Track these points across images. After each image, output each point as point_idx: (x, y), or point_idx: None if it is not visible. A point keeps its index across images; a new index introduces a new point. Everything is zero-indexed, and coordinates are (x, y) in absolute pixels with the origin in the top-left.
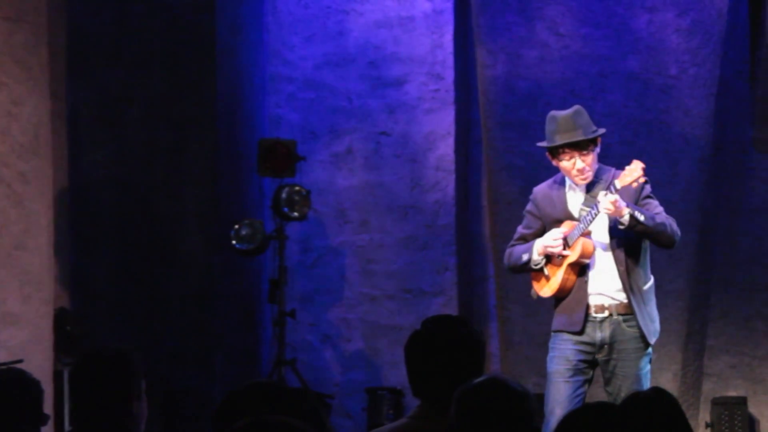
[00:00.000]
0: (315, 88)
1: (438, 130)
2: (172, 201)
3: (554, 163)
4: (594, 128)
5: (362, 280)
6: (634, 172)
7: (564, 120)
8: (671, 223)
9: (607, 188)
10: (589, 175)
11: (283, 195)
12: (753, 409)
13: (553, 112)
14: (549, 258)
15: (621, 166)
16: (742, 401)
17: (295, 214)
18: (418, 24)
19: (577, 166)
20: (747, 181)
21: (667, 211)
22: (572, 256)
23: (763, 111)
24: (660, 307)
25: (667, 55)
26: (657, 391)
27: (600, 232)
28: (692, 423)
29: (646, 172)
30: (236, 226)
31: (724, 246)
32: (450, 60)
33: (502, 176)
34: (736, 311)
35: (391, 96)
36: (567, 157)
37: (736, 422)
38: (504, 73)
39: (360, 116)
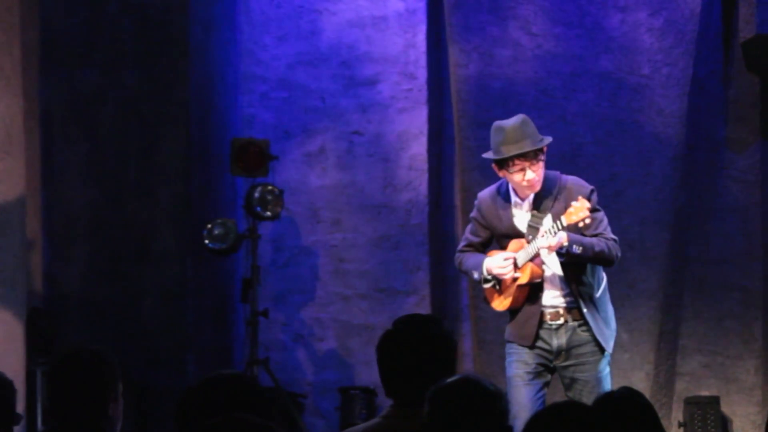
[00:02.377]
0: (288, 87)
1: (411, 130)
2: (145, 200)
3: (501, 174)
4: (540, 137)
5: (335, 280)
6: (579, 212)
7: (512, 130)
8: (611, 247)
9: (554, 221)
10: (538, 185)
11: (256, 194)
12: (725, 408)
13: (498, 123)
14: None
15: (594, 165)
16: (714, 401)
17: (268, 213)
18: (390, 23)
19: (527, 177)
20: (720, 181)
21: (640, 210)
22: (522, 278)
23: (735, 110)
24: (633, 307)
25: (639, 54)
26: (629, 391)
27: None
28: (665, 422)
29: (619, 171)
30: (209, 226)
31: (697, 245)
32: (423, 59)
33: (474, 175)
34: (708, 311)
35: (364, 95)
36: (517, 169)
37: (708, 422)
38: (477, 72)
39: (333, 116)
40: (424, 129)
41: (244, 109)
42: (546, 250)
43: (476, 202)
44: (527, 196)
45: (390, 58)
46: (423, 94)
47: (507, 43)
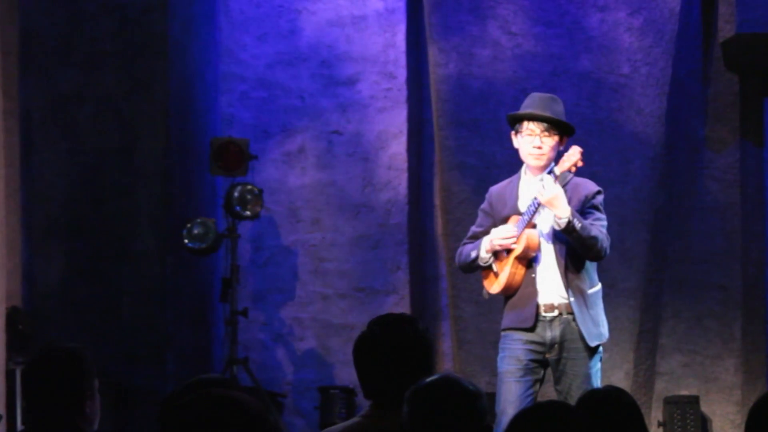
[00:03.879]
0: (267, 86)
1: (390, 129)
2: (124, 200)
3: (515, 141)
4: (564, 120)
5: (314, 279)
6: (572, 156)
7: (541, 99)
8: (603, 240)
9: (549, 173)
10: (545, 158)
11: (236, 194)
12: (705, 408)
13: (534, 93)
14: (497, 254)
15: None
16: (694, 400)
17: (248, 212)
18: (370, 23)
19: (534, 143)
20: (699, 180)
21: (620, 210)
22: (518, 249)
23: (715, 110)
24: (613, 306)
25: (619, 54)
26: (614, 390)
27: (546, 228)
28: None
29: (599, 171)
30: (188, 225)
31: (676, 245)
32: (402, 59)
33: (454, 175)
34: (688, 310)
35: (344, 95)
36: (529, 132)
37: (688, 421)
38: (456, 71)
39: (312, 115)
40: (404, 128)
41: (224, 108)
42: (544, 222)
43: (486, 194)
44: (536, 172)
45: (369, 57)
46: (402, 94)
47: (486, 43)
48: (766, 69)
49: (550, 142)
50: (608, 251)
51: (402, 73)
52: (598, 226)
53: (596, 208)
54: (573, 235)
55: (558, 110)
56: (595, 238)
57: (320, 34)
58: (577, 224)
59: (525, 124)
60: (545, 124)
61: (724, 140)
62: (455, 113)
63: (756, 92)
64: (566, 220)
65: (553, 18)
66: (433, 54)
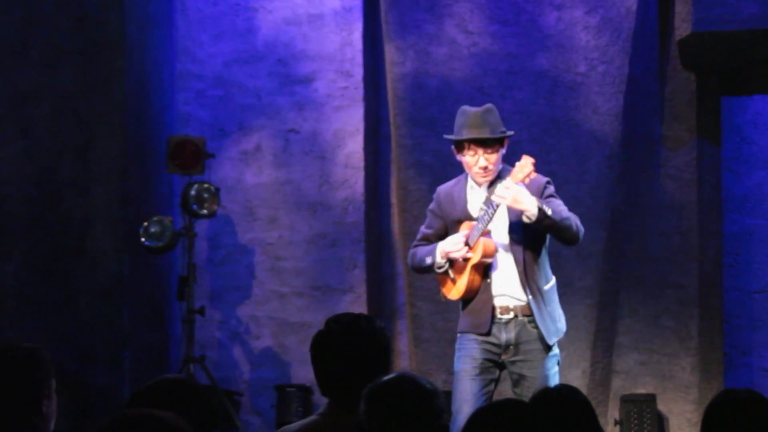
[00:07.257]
0: (224, 85)
1: (347, 128)
2: (80, 198)
3: (458, 157)
4: (502, 129)
5: (271, 278)
6: (524, 167)
7: (474, 116)
8: (576, 220)
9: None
10: (491, 174)
11: (192, 192)
12: (662, 406)
13: (464, 107)
14: (453, 261)
15: None
16: (651, 398)
17: (204, 211)
18: (327, 21)
19: (480, 163)
20: (656, 178)
21: (576, 208)
22: (474, 257)
23: (671, 108)
24: (569, 304)
25: (575, 52)
26: (567, 388)
27: (500, 232)
28: (601, 420)
29: (556, 170)
30: (145, 224)
31: (633, 243)
32: (359, 57)
33: (410, 173)
34: (645, 308)
35: (300, 93)
36: (471, 153)
37: (645, 419)
38: (413, 70)
39: (269, 113)
40: (361, 127)
41: (181, 106)
42: (498, 225)
43: (434, 195)
44: (482, 183)
45: (326, 55)
46: (359, 92)
47: (443, 41)
48: (723, 67)
49: (494, 158)
50: (582, 229)
51: (359, 72)
52: (564, 208)
53: (553, 196)
54: (546, 222)
55: (494, 122)
56: (568, 219)
57: (277, 32)
58: (548, 210)
59: (466, 145)
60: (487, 142)
61: (680, 139)
62: (412, 112)
63: (712, 90)
64: (536, 209)
65: (510, 16)
66: (389, 52)
